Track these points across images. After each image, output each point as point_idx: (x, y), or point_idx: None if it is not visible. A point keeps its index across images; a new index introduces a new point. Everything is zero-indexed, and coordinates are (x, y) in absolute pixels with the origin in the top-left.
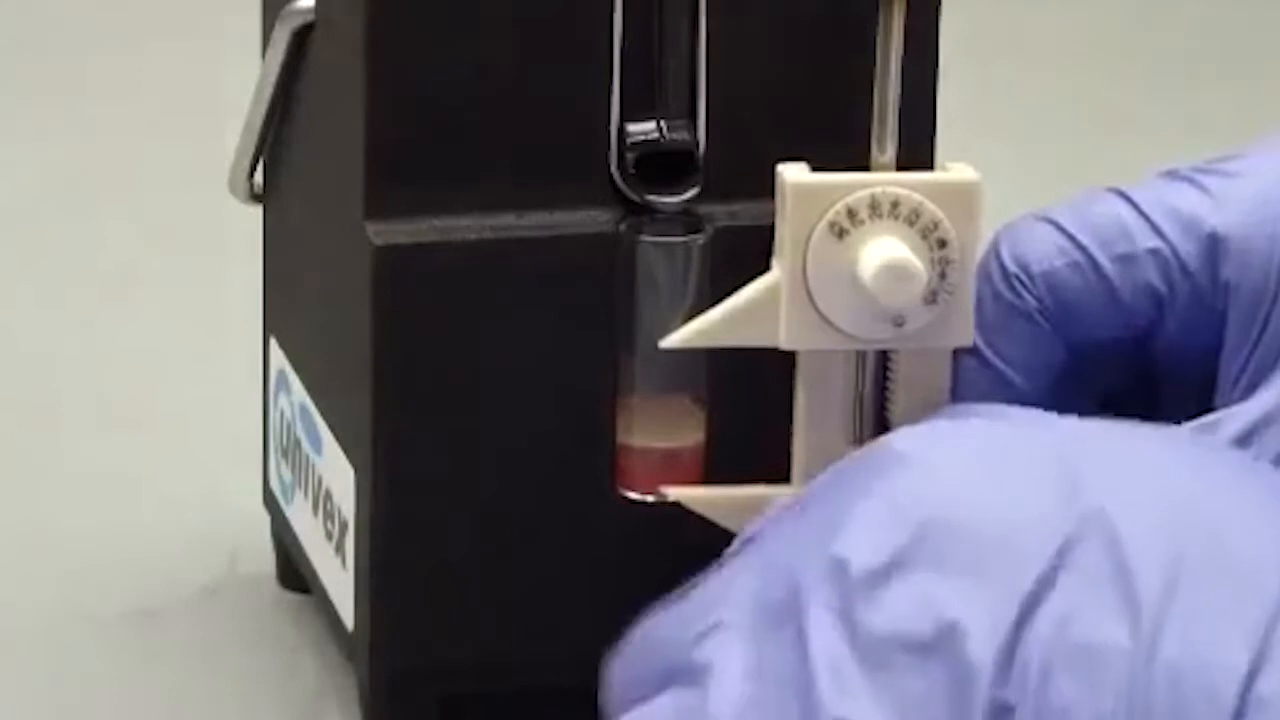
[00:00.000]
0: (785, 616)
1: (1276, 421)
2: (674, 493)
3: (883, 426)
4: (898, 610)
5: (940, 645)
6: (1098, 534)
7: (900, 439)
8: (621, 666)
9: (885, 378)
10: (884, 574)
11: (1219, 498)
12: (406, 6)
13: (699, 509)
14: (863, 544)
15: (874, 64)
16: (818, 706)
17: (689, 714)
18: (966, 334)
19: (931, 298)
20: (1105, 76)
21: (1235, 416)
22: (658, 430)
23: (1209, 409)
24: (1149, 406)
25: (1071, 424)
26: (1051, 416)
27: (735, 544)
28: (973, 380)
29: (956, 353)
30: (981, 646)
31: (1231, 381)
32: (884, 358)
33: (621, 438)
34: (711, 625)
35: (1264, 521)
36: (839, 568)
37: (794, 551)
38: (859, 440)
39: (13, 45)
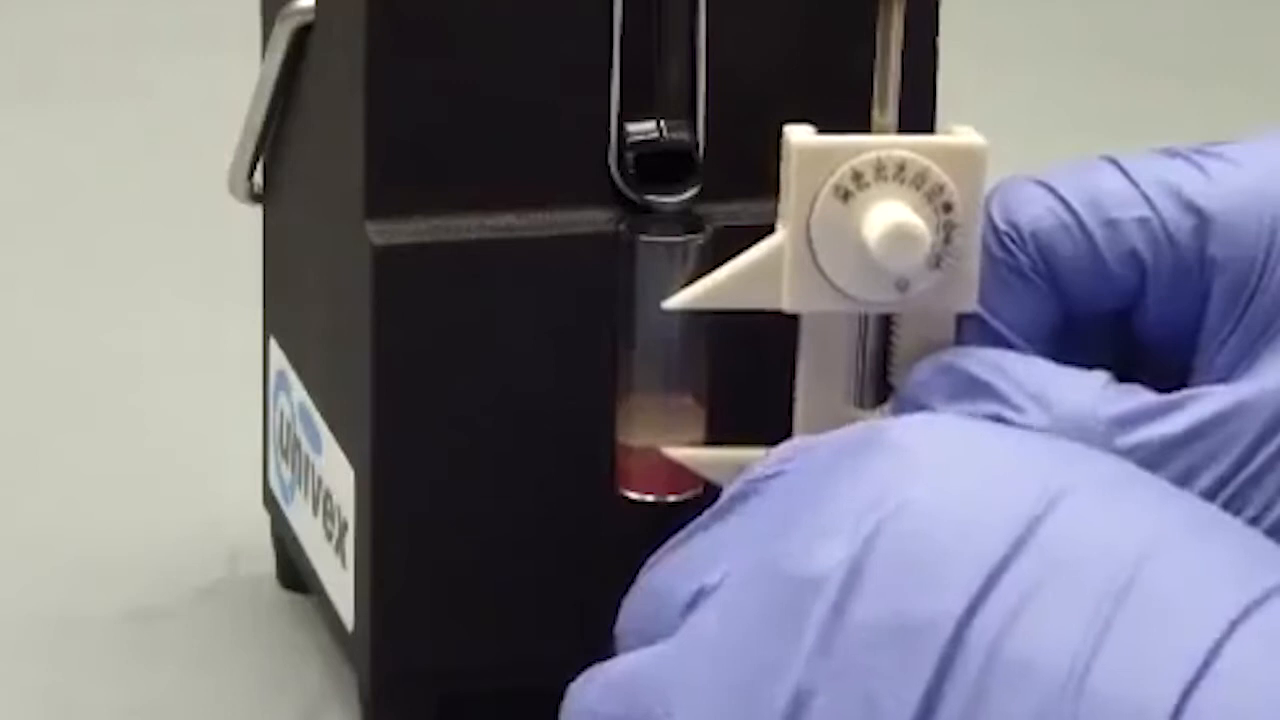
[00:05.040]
0: (766, 591)
1: (1246, 413)
2: (675, 453)
3: (884, 389)
4: (863, 600)
5: (898, 637)
6: (1049, 548)
7: (895, 428)
8: (624, 619)
9: (888, 340)
10: (854, 563)
11: (1178, 542)
12: (406, 6)
13: (699, 470)
14: (836, 531)
15: (875, 60)
16: (784, 677)
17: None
18: (970, 298)
19: (936, 261)
20: (1103, 76)
21: (1209, 397)
22: (658, 430)
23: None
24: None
25: (1064, 445)
26: (1049, 439)
27: (724, 498)
28: (972, 341)
29: (959, 316)
30: (928, 642)
31: (1210, 361)
32: (887, 321)
33: (621, 438)
34: (697, 591)
35: (1217, 570)
36: (812, 554)
37: (774, 528)
38: (860, 403)
39: (13, 47)
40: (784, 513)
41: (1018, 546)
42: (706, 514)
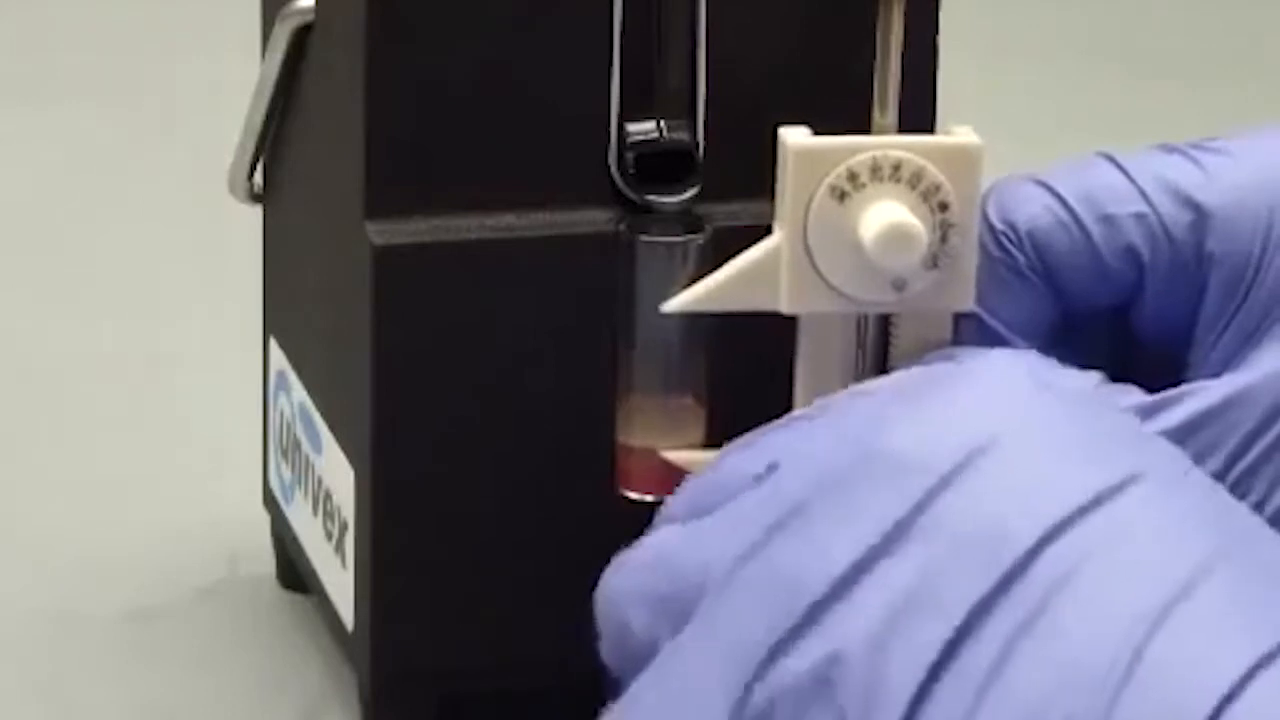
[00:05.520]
0: (849, 465)
1: (1241, 405)
2: (674, 456)
3: None
4: (952, 509)
5: (981, 542)
6: (1114, 519)
7: (1003, 356)
8: (675, 502)
9: (886, 341)
10: (944, 477)
11: (1241, 554)
12: (406, 6)
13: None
14: (930, 443)
15: (875, 61)
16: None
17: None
18: (967, 297)
19: (932, 261)
20: (1103, 76)
21: (1204, 392)
22: (658, 430)
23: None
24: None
25: (1132, 423)
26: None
27: (787, 417)
28: (970, 341)
29: (957, 316)
30: (1003, 554)
31: (1205, 355)
32: (885, 321)
33: (621, 438)
34: (768, 466)
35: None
36: (902, 462)
37: (869, 421)
38: None
39: (13, 46)
40: (879, 411)
41: (1081, 514)
42: (768, 426)
